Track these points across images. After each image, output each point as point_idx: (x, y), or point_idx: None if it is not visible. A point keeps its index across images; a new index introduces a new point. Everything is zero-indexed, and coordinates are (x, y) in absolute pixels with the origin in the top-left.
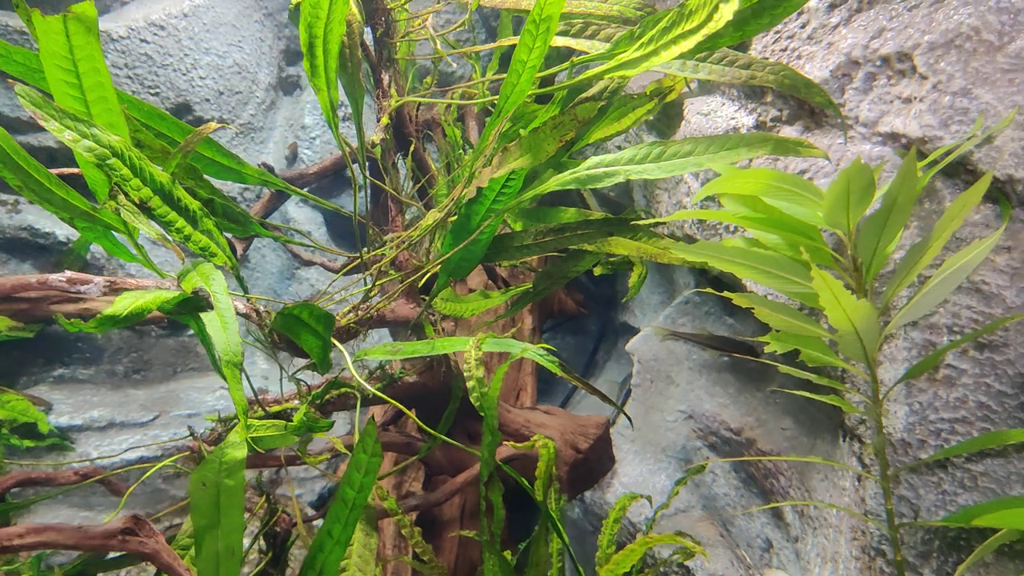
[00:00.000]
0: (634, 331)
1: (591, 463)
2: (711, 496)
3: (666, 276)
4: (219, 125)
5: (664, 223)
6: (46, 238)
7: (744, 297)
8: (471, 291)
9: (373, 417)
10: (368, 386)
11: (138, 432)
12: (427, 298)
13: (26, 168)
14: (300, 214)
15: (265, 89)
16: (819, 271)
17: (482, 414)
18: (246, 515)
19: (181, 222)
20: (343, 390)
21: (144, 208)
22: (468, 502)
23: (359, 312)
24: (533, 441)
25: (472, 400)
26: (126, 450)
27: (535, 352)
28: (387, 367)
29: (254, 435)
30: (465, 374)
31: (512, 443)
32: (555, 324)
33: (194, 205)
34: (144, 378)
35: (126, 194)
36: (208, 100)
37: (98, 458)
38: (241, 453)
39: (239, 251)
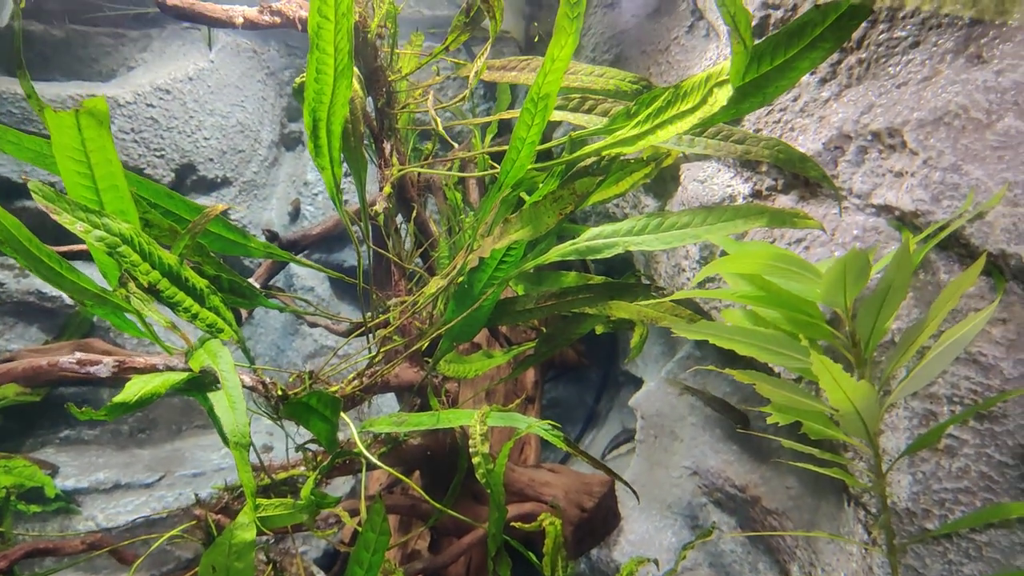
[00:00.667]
0: (636, 380)
1: (596, 522)
2: (717, 553)
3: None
4: (226, 206)
5: (663, 288)
6: (53, 302)
7: (745, 374)
8: (474, 345)
9: (380, 493)
10: (372, 457)
11: (144, 493)
12: (430, 360)
13: (37, 254)
14: (304, 271)
15: (268, 146)
16: (818, 356)
17: (488, 491)
18: None
19: (188, 301)
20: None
21: (152, 291)
22: (474, 561)
23: (363, 379)
24: (540, 522)
25: (478, 476)
26: (132, 512)
27: (540, 428)
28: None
29: (262, 515)
30: (471, 450)
31: (519, 523)
32: (556, 374)
33: (201, 284)
34: (149, 437)
35: (136, 279)
36: (212, 159)
37: (106, 524)
38: (250, 535)
39: (244, 314)
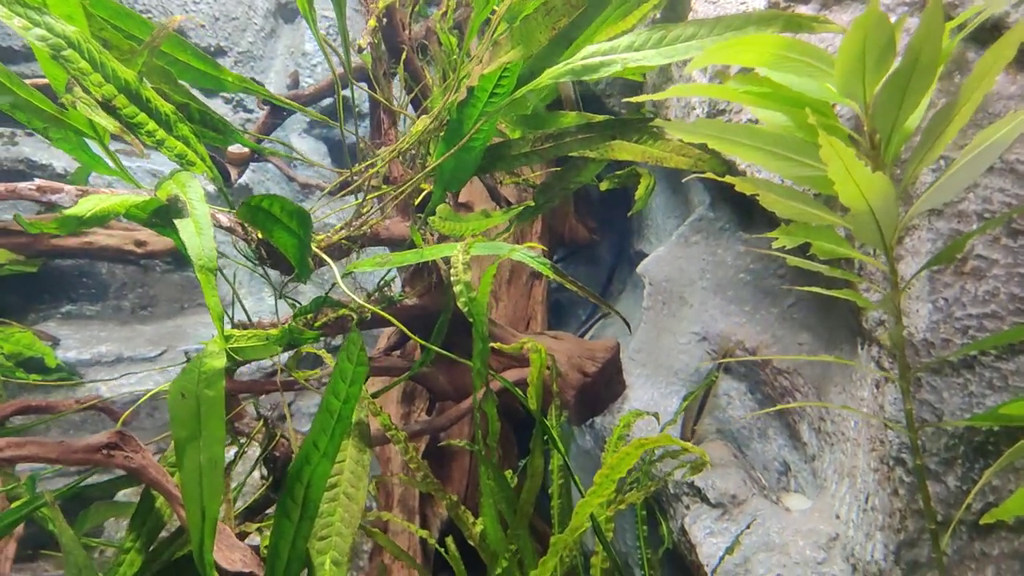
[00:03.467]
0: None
1: (600, 387)
2: (725, 420)
3: (682, 198)
4: (183, 17)
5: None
6: (44, 170)
7: (747, 182)
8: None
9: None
10: (363, 302)
11: (146, 367)
12: (423, 216)
13: None
14: (303, 144)
15: (264, 16)
16: (828, 138)
17: (471, 320)
18: (249, 442)
19: (152, 124)
20: (341, 312)
21: (108, 108)
22: (471, 427)
23: (351, 229)
24: (521, 343)
25: (460, 305)
26: (135, 385)
27: (523, 253)
28: (386, 289)
29: (235, 346)
30: (452, 279)
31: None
32: (567, 253)
33: (166, 108)
34: (151, 314)
35: (86, 89)
36: (203, 26)
37: (109, 396)
38: (220, 362)
39: (234, 175)
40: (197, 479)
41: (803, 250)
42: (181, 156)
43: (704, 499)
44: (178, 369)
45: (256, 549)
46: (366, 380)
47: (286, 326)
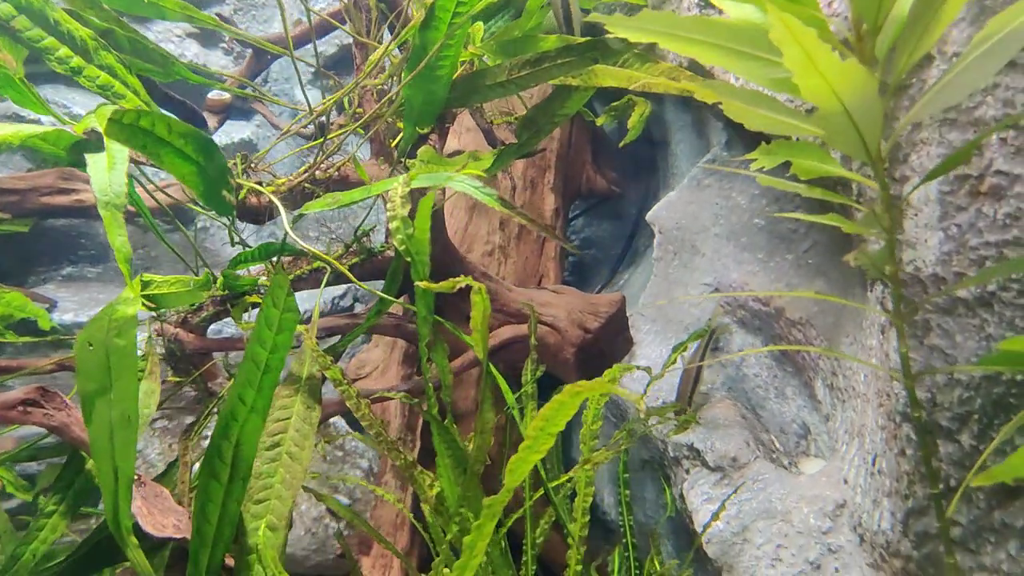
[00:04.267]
0: None
1: (603, 344)
2: (738, 377)
3: (704, 142)
4: None
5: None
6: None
7: (709, 86)
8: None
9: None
10: (319, 253)
11: (144, 329)
12: (404, 160)
13: None
14: (311, 96)
15: None
16: (780, 14)
17: (407, 259)
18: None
19: (65, 50)
20: (315, 264)
21: (7, 30)
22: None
23: (316, 173)
24: (455, 283)
25: (396, 243)
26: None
27: (465, 183)
28: (365, 240)
29: (155, 292)
30: (388, 214)
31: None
32: (588, 207)
33: (83, 32)
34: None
35: None
36: None
37: None
38: (132, 309)
39: (212, 123)
40: (108, 436)
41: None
42: (105, 87)
43: (703, 463)
44: None
45: None
46: (296, 327)
47: (212, 273)
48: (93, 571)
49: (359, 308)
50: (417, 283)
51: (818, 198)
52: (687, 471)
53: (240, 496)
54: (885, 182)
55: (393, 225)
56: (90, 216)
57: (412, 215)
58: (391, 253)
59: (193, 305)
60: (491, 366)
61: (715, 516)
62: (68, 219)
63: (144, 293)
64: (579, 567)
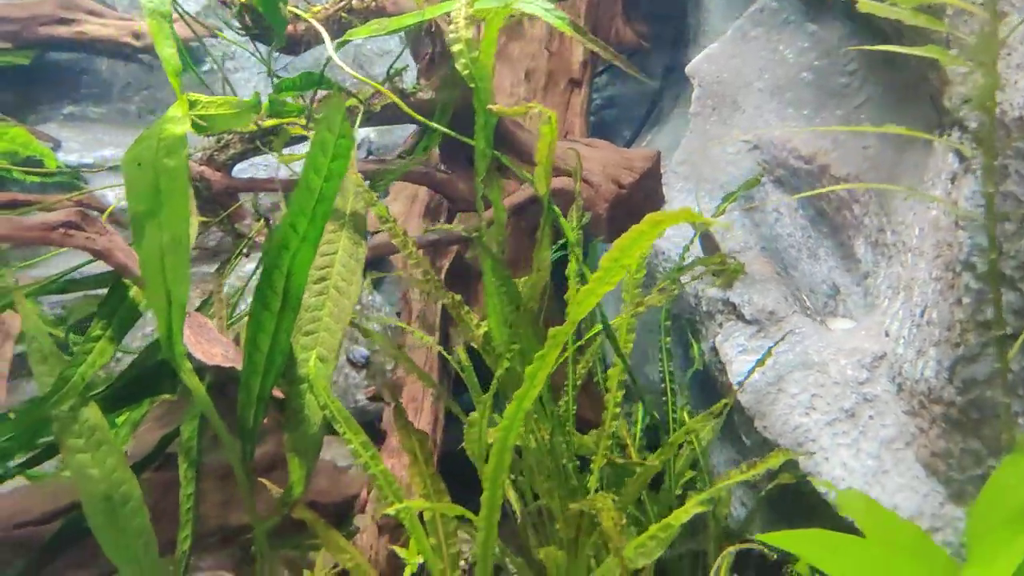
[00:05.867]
0: None
1: (636, 200)
2: (772, 236)
3: None
4: None
5: None
6: None
7: None
8: None
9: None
10: (364, 79)
11: None
12: None
13: None
14: None
15: None
16: None
17: (471, 85)
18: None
19: None
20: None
21: None
22: (510, 250)
23: (353, 2)
24: (527, 108)
25: (459, 67)
26: None
27: (535, 5)
28: (397, 80)
29: (202, 112)
30: (450, 37)
31: None
32: (610, 65)
33: None
34: (157, 118)
35: None
36: None
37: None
38: (181, 128)
39: None
40: (159, 260)
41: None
42: None
43: (739, 316)
44: None
45: None
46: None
47: (260, 97)
48: (138, 398)
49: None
50: (487, 108)
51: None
52: (720, 325)
53: (290, 326)
54: (996, 9)
55: (456, 48)
56: (93, 51)
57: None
58: (424, 95)
59: (220, 141)
60: (550, 203)
61: (760, 362)
62: (71, 53)
63: (193, 113)
64: (616, 409)
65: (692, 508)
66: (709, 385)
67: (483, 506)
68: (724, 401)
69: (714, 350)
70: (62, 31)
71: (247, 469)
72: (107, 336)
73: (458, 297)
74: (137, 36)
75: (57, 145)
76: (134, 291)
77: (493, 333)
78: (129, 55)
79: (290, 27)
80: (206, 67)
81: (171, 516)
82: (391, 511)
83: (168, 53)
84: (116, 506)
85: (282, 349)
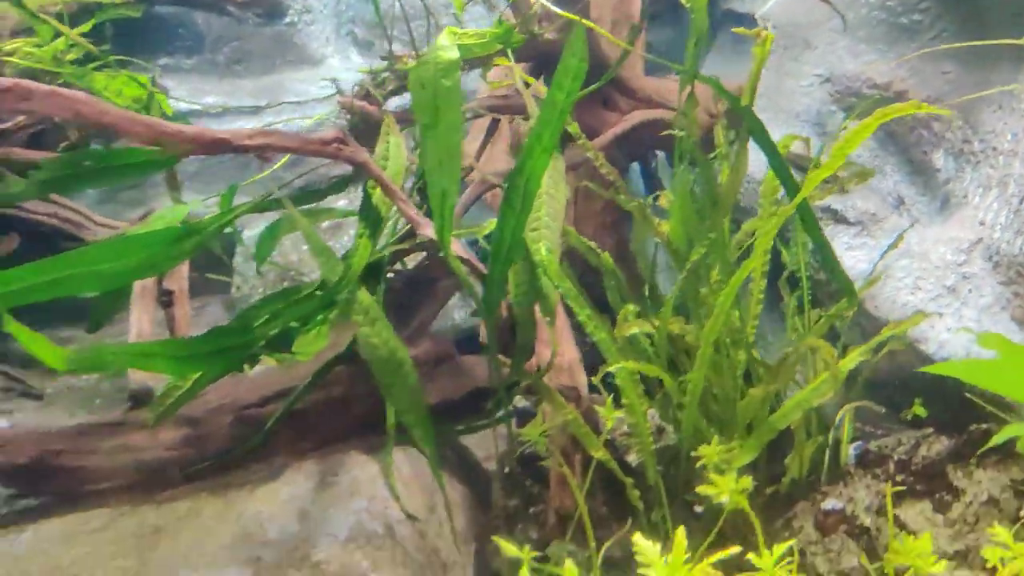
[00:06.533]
0: (741, 18)
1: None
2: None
3: None
4: None
5: None
6: None
7: None
8: None
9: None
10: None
11: (252, 119)
12: None
13: None
14: None
15: None
16: None
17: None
18: None
19: None
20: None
21: None
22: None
23: None
24: None
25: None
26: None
27: None
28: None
29: (462, 43)
30: None
31: None
32: (650, 16)
33: None
34: (246, 69)
35: None
36: None
37: None
38: (454, 55)
39: None
40: (438, 163)
41: None
42: None
43: (842, 219)
44: (281, 122)
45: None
46: None
47: (503, 27)
48: None
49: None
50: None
51: None
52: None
53: (524, 223)
54: None
55: None
56: (196, 5)
57: None
58: (549, 36)
59: (376, 79)
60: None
61: (884, 256)
62: (172, 8)
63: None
64: (761, 295)
65: (855, 359)
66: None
67: (697, 361)
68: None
69: None
70: None
71: (496, 336)
72: (366, 235)
73: (643, 200)
74: None
75: (167, 92)
76: (376, 197)
77: (673, 229)
78: (227, 12)
79: None
80: (286, 20)
81: None
82: (612, 368)
83: None
84: (396, 367)
85: (518, 242)
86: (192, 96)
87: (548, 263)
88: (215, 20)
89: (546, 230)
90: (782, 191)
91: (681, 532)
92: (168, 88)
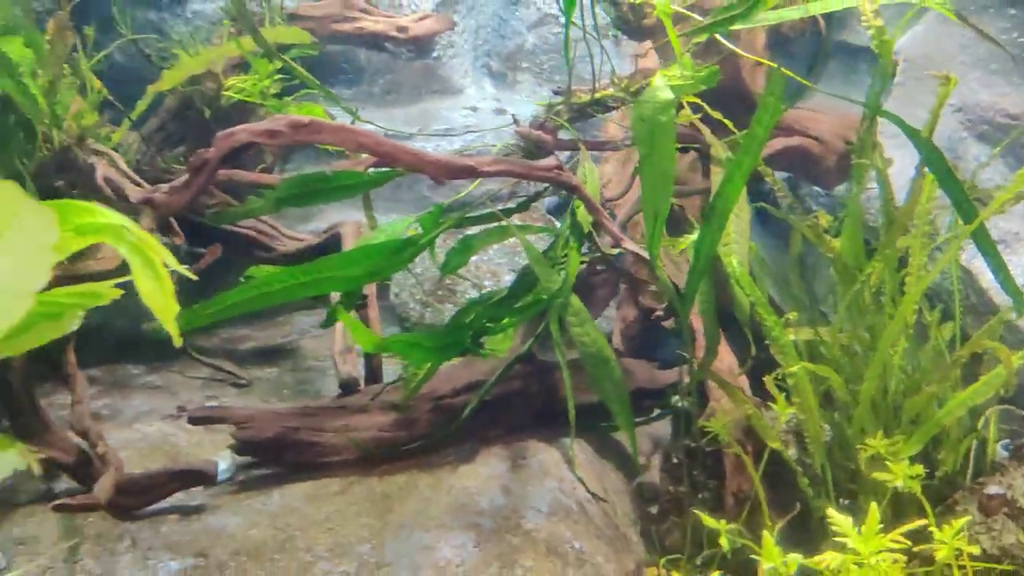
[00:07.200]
0: (855, 50)
1: None
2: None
3: None
4: None
5: None
6: None
7: None
8: None
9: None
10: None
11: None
12: None
13: None
14: None
15: None
16: None
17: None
18: None
19: None
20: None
21: None
22: None
23: None
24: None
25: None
26: None
27: None
28: None
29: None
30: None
31: None
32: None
33: None
34: (397, 99)
35: None
36: None
37: None
38: (669, 95)
39: None
40: (652, 188)
41: None
42: None
43: None
44: (432, 146)
45: None
46: None
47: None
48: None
49: None
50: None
51: None
52: (962, 248)
53: (717, 240)
54: None
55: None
56: (363, 43)
57: None
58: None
59: (550, 108)
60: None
61: None
62: (341, 45)
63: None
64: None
65: (1020, 358)
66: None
67: (872, 364)
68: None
69: (965, 270)
70: (346, 27)
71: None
72: (575, 247)
73: (819, 219)
74: (401, 29)
75: (333, 119)
76: (580, 214)
77: (844, 248)
78: (385, 48)
79: (646, 20)
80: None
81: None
82: (792, 370)
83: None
84: (603, 362)
85: (711, 255)
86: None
87: (740, 274)
88: (374, 56)
89: (735, 245)
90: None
91: (874, 506)
92: (334, 115)
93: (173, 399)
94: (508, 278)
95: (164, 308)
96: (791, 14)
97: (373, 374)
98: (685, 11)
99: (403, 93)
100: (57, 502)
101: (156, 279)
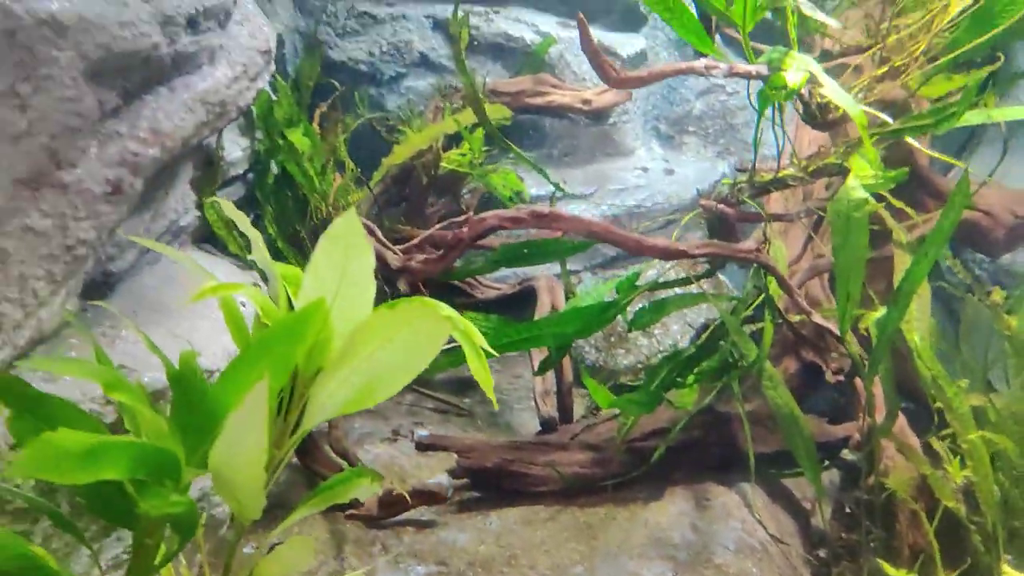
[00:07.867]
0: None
1: None
2: None
3: None
4: None
5: None
6: (516, 42)
7: None
8: None
9: None
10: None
11: (584, 203)
12: None
13: None
14: None
15: None
16: None
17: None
18: None
19: None
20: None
21: None
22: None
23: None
24: None
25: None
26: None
27: None
28: None
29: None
30: None
31: None
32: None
33: None
34: (573, 160)
35: None
36: None
37: None
38: (863, 194)
39: None
40: (846, 273)
41: None
42: None
43: None
44: (607, 207)
45: None
46: None
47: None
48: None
49: None
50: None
51: None
52: None
53: (902, 318)
54: None
55: None
56: (551, 114)
57: None
58: None
59: (735, 186)
60: None
61: None
62: (530, 115)
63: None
64: None
65: None
66: None
67: None
68: None
69: None
70: (537, 101)
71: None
72: (771, 319)
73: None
74: (585, 102)
75: (522, 181)
76: (773, 288)
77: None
78: (567, 116)
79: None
80: (610, 121)
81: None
82: (973, 437)
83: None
84: (793, 421)
85: (893, 333)
86: (539, 184)
87: (922, 350)
88: (556, 122)
89: (917, 322)
90: None
91: None
92: (523, 177)
93: (386, 423)
94: (675, 327)
95: (486, 381)
96: (975, 118)
97: (565, 414)
98: (872, 110)
99: (579, 155)
100: (349, 511)
101: (478, 359)
